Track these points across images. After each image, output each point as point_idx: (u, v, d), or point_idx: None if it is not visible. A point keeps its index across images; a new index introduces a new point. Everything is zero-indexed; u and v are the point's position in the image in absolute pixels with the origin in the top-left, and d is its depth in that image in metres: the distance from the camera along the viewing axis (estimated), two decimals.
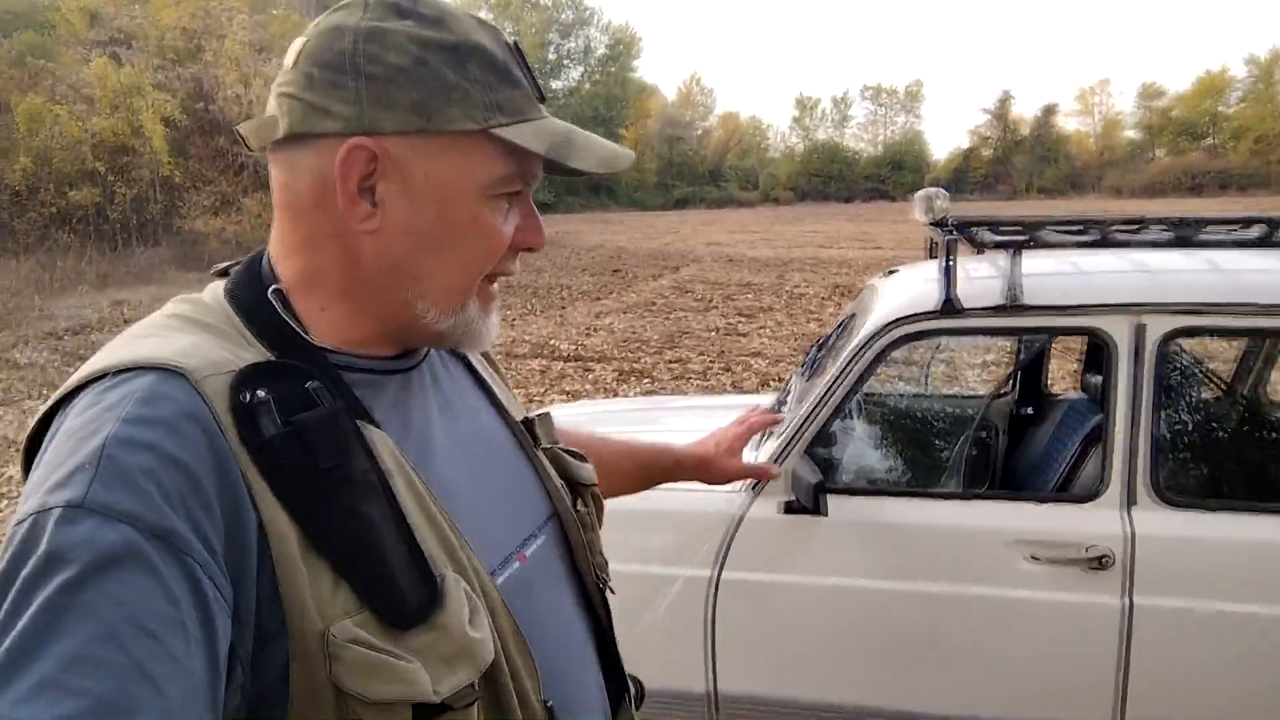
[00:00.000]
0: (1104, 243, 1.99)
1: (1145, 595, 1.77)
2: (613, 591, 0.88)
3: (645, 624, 1.96)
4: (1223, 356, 2.84)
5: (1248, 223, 2.01)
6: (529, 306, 11.01)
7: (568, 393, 6.66)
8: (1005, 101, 52.53)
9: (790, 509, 1.91)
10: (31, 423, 0.61)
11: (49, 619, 0.47)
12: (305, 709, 0.57)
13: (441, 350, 0.81)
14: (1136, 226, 2.03)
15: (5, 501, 4.61)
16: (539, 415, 0.89)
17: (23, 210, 17.00)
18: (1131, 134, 52.47)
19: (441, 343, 0.74)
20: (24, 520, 0.51)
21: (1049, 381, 2.93)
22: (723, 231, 24.68)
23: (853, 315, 2.30)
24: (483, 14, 0.72)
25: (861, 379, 1.94)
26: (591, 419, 2.86)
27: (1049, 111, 51.83)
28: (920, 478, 2.42)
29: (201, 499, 0.54)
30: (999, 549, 1.84)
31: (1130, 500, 1.81)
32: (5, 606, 0.48)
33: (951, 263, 1.88)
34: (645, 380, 7.05)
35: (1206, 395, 2.58)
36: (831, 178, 50.85)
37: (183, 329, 0.64)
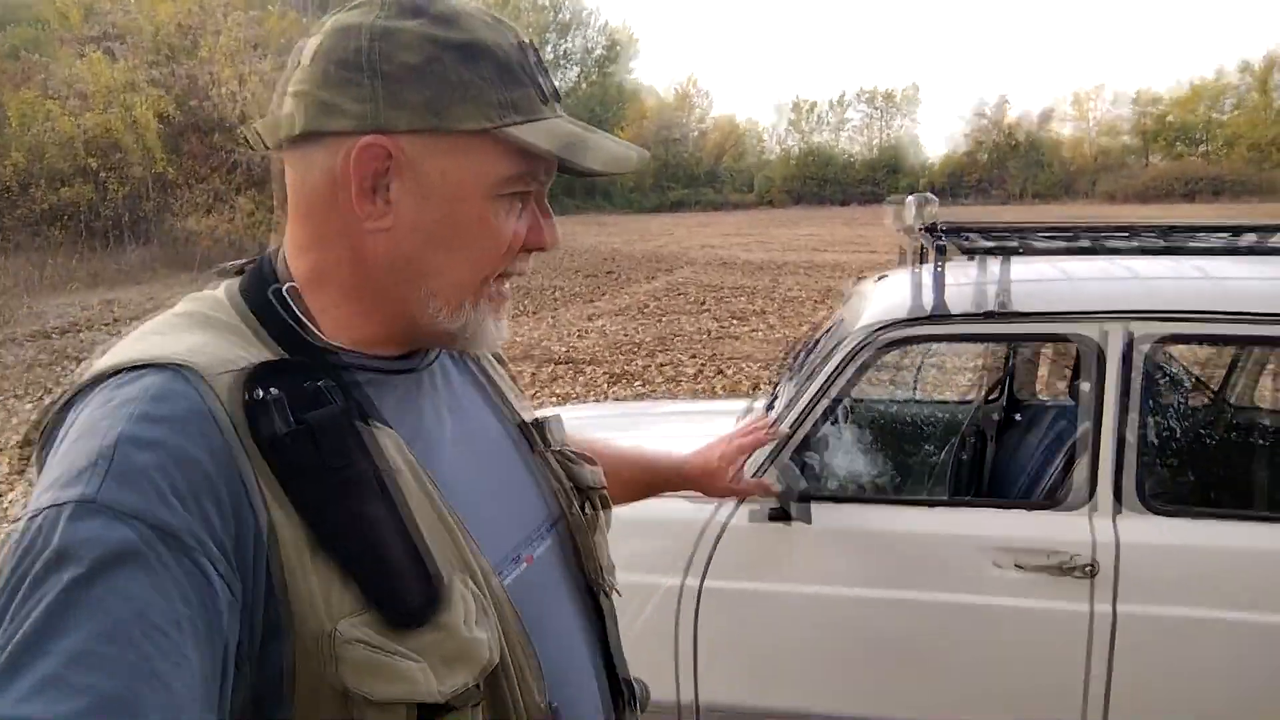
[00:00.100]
0: (1093, 250, 1.98)
1: (1130, 603, 1.76)
2: (618, 594, 0.89)
3: (627, 632, 1.94)
4: (1211, 363, 2.83)
5: (1237, 230, 2.00)
6: (521, 308, 10.98)
7: (559, 395, 6.63)
8: (1000, 106, 52.70)
9: (774, 516, 1.89)
10: (44, 418, 0.61)
11: (55, 616, 0.47)
12: (308, 708, 0.57)
13: (451, 351, 0.81)
14: (1126, 234, 2.02)
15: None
16: (549, 417, 0.89)
17: (13, 207, 16.92)
18: (1126, 139, 52.67)
19: (451, 343, 0.73)
20: (35, 515, 0.52)
21: (1037, 387, 2.93)
22: (717, 234, 24.68)
23: (840, 320, 2.28)
24: None
25: (848, 385, 1.92)
26: (582, 424, 2.84)
27: (1044, 116, 52.03)
28: (906, 484, 2.41)
29: (211, 497, 0.54)
30: (983, 557, 1.83)
31: (1116, 508, 1.80)
32: (13, 601, 0.48)
33: (940, 268, 1.86)
34: (637, 383, 7.03)
35: (1194, 402, 2.57)
36: (827, 181, 50.88)
37: (193, 327, 0.65)
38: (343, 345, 0.68)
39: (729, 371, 7.31)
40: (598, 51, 54.09)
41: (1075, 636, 1.79)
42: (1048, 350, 2.93)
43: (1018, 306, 1.84)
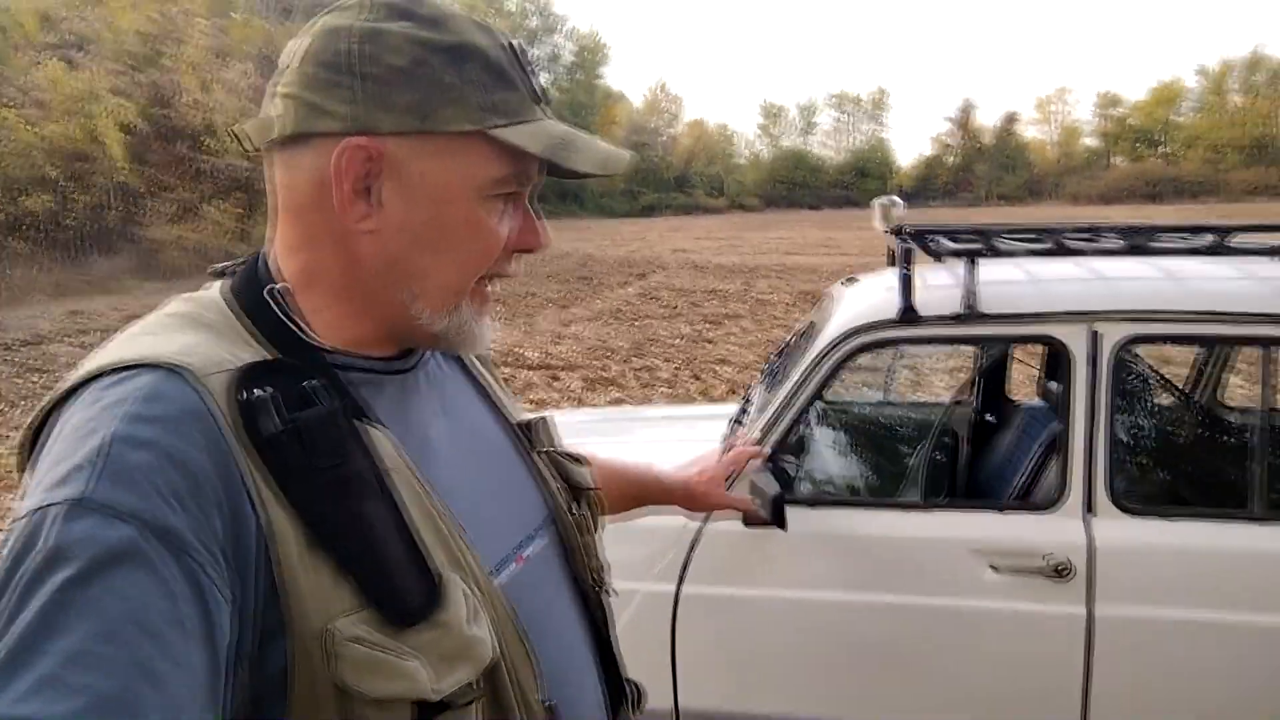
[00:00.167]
0: (1059, 251, 1.99)
1: (1106, 604, 1.77)
2: (614, 594, 0.89)
3: None
4: (1180, 361, 2.87)
5: (1197, 230, 2.02)
6: (495, 314, 10.90)
7: (534, 402, 6.60)
8: (967, 110, 53.44)
9: (750, 521, 1.89)
10: (32, 418, 0.61)
11: (51, 616, 0.47)
12: (306, 707, 0.57)
13: (439, 352, 0.81)
14: (1090, 235, 2.04)
15: None
16: (539, 418, 0.89)
17: None
18: (1089, 142, 53.60)
19: (437, 344, 0.74)
20: (26, 517, 0.51)
21: (1010, 388, 2.95)
22: (690, 238, 24.75)
23: (811, 324, 2.28)
24: None
25: (820, 389, 1.92)
26: (563, 430, 2.81)
27: (1009, 120, 52.80)
28: (881, 488, 2.41)
29: (203, 497, 0.54)
30: (960, 559, 1.83)
31: (1089, 509, 1.81)
32: (7, 603, 0.48)
33: (909, 271, 1.87)
34: (613, 388, 7.01)
35: (1163, 402, 2.60)
36: (798, 185, 51.29)
37: (183, 327, 0.65)
38: (333, 346, 0.68)
39: (704, 376, 7.32)
40: (568, 58, 54.11)
41: (1052, 638, 1.79)
42: (1028, 350, 2.96)
43: (986, 309, 1.85)
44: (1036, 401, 2.71)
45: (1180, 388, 2.70)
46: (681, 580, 1.92)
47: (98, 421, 0.54)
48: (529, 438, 0.86)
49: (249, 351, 0.63)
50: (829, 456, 2.45)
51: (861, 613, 1.87)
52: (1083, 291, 1.90)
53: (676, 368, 7.65)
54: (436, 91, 0.64)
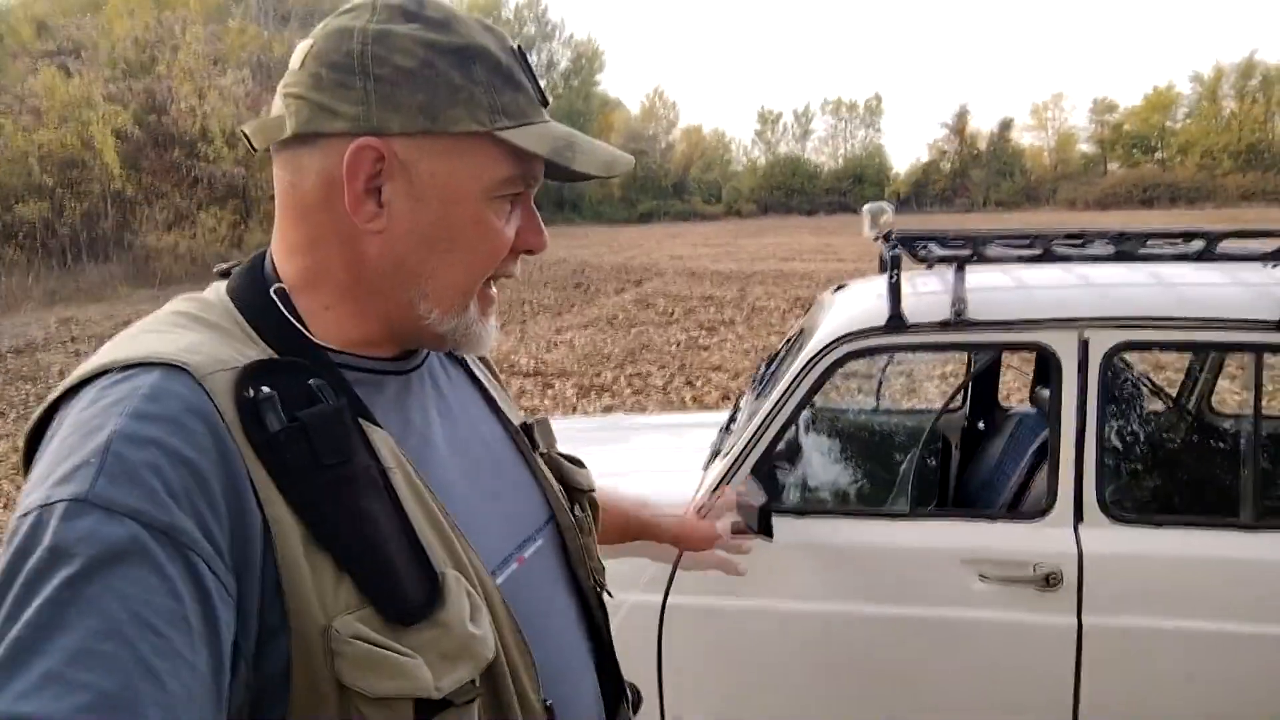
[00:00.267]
0: (1048, 257, 1.98)
1: (1095, 614, 1.75)
2: (610, 595, 0.89)
3: None
4: (1176, 368, 2.86)
5: (1187, 236, 2.01)
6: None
7: (526, 409, 6.54)
8: (963, 116, 53.58)
9: (737, 531, 1.86)
10: (34, 416, 0.61)
11: (53, 613, 0.47)
12: (306, 705, 0.57)
13: (441, 354, 0.82)
14: (1080, 241, 2.02)
15: None
16: (537, 421, 0.89)
17: None
18: (1084, 148, 53.79)
19: (442, 344, 0.74)
20: (27, 514, 0.51)
21: (1001, 395, 2.93)
22: (686, 245, 24.77)
23: (801, 331, 2.27)
24: None
25: (808, 396, 1.90)
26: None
27: (1005, 126, 52.95)
28: (870, 497, 2.39)
29: (206, 495, 0.54)
30: (949, 569, 1.81)
31: (1078, 517, 1.79)
32: (9, 600, 0.48)
33: (896, 278, 1.85)
34: (605, 395, 6.99)
35: (1153, 409, 2.59)
36: (794, 191, 51.39)
37: (186, 326, 0.65)
38: (335, 346, 0.68)
39: (698, 383, 7.30)
40: (564, 65, 54.22)
41: (1041, 649, 1.77)
42: (1021, 356, 2.94)
43: (975, 315, 1.83)
44: (1028, 408, 2.69)
45: (1170, 395, 2.68)
46: (668, 591, 1.89)
47: (101, 419, 0.54)
48: (529, 440, 0.86)
49: (252, 351, 0.64)
50: (817, 465, 2.43)
51: (849, 623, 1.85)
52: (1071, 298, 1.89)
53: (670, 375, 7.63)
54: (445, 92, 0.64)
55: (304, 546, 0.58)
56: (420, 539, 0.63)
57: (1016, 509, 2.03)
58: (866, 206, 2.07)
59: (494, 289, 0.74)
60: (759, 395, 2.16)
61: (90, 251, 17.57)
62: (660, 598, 1.89)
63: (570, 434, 2.88)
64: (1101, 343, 1.80)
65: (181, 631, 0.50)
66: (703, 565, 1.49)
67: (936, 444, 2.72)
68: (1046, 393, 1.86)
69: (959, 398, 2.86)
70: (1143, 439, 2.16)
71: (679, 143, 57.08)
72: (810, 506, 2.08)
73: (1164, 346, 1.91)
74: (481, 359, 0.90)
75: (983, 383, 2.81)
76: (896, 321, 1.84)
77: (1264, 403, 1.96)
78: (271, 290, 0.68)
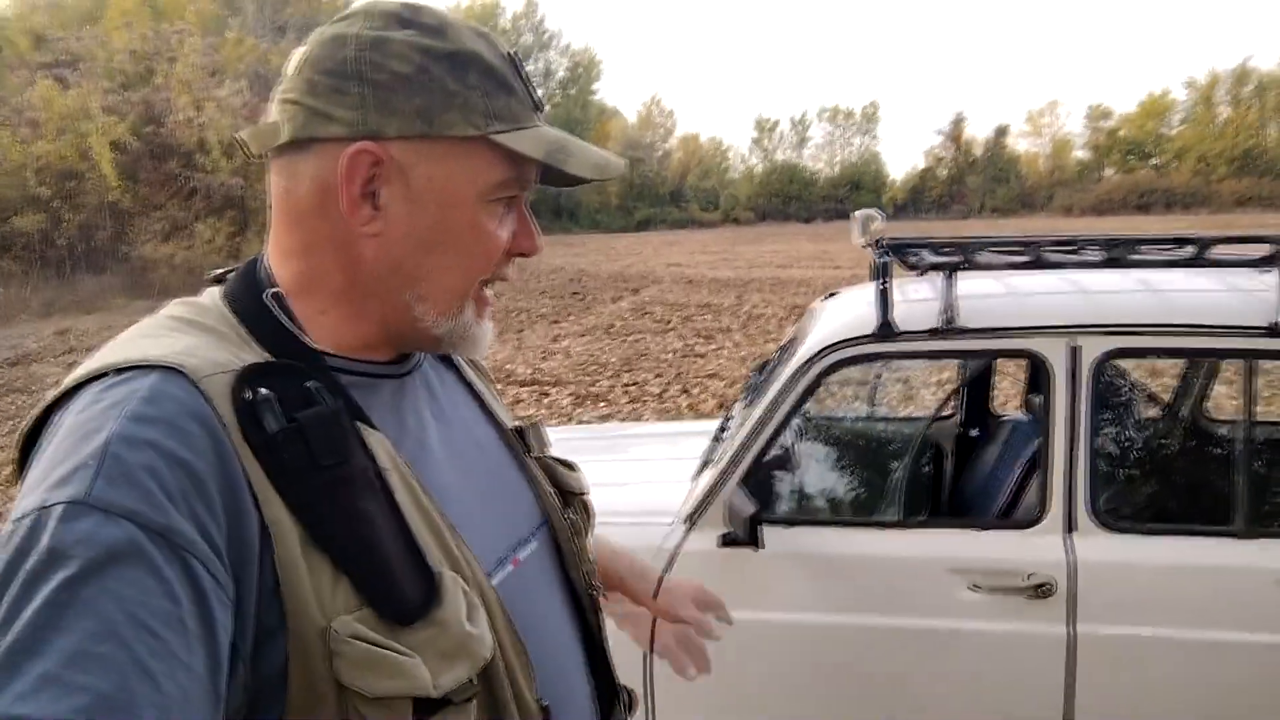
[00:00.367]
0: (1038, 264, 1.97)
1: (1088, 623, 1.73)
2: (605, 598, 0.89)
3: None
4: (1170, 374, 2.84)
5: (1179, 242, 2.00)
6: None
7: (522, 418, 6.54)
8: (959, 123, 53.69)
9: (726, 541, 1.85)
10: (30, 418, 0.61)
11: (50, 615, 0.47)
12: (303, 705, 0.57)
13: (435, 357, 0.83)
14: (1071, 247, 2.02)
15: None
16: (530, 424, 0.90)
17: None
18: (1080, 154, 53.92)
19: (438, 347, 0.74)
20: (25, 516, 0.51)
21: (996, 401, 2.92)
22: (684, 253, 24.77)
23: (793, 339, 2.26)
24: None
25: (797, 405, 1.89)
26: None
27: (1000, 132, 53.05)
28: (861, 505, 2.38)
29: (204, 497, 0.54)
30: (940, 579, 1.80)
31: (1070, 525, 1.77)
32: (7, 602, 0.48)
33: (886, 285, 1.84)
34: (601, 404, 6.97)
35: (1145, 416, 2.57)
36: (791, 198, 51.43)
37: (182, 330, 0.65)
38: (330, 349, 0.69)
39: (694, 391, 7.28)
40: (561, 73, 54.38)
41: (1033, 658, 1.76)
42: (1015, 363, 2.93)
43: (965, 322, 1.82)
44: (1021, 416, 2.68)
45: (1162, 401, 2.67)
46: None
47: (98, 422, 0.54)
48: (522, 443, 0.86)
49: (248, 354, 0.64)
50: (808, 473, 2.41)
51: (840, 634, 1.83)
52: (1062, 305, 1.88)
53: (666, 383, 7.61)
54: (440, 97, 0.65)
55: (302, 547, 0.58)
56: (417, 539, 0.63)
57: (1008, 518, 2.02)
58: (856, 213, 2.06)
59: (490, 291, 0.75)
60: (749, 404, 2.15)
61: (87, 262, 17.55)
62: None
63: (565, 443, 2.88)
64: (1092, 350, 1.79)
65: (178, 633, 0.50)
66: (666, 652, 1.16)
67: (929, 452, 2.70)
68: (1040, 399, 1.85)
69: (952, 405, 2.85)
70: (1135, 446, 2.15)
71: (676, 150, 57.15)
72: (800, 516, 2.07)
73: (1155, 353, 1.90)
74: (474, 362, 0.90)
75: (976, 389, 2.80)
76: (886, 329, 1.83)
77: (1258, 409, 1.95)
78: (267, 294, 0.68)
